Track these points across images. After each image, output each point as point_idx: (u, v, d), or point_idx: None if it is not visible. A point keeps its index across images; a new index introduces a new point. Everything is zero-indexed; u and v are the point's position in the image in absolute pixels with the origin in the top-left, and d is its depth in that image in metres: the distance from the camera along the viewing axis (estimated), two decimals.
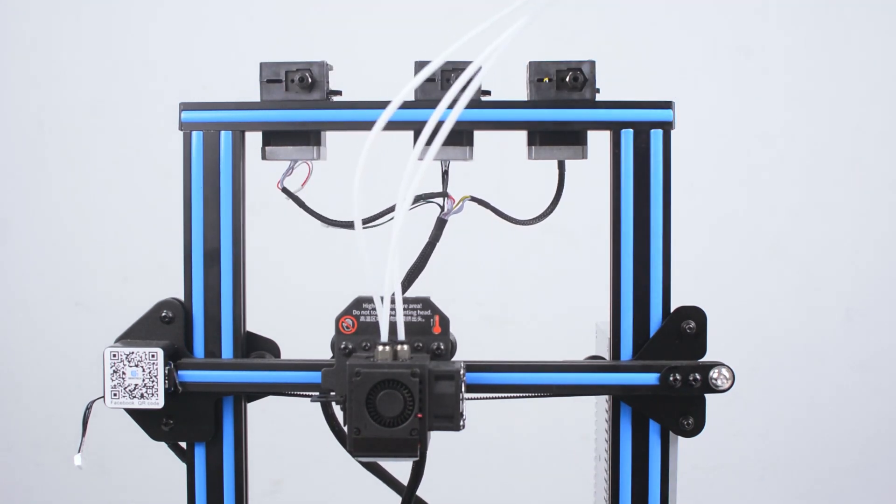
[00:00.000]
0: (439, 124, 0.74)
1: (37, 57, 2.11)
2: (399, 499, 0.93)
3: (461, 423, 0.82)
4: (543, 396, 0.89)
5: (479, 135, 0.90)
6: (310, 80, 0.88)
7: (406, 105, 0.83)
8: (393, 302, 0.80)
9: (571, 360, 0.89)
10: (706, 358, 0.87)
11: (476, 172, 0.98)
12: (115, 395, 0.86)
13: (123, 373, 0.85)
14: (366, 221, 0.89)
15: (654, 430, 0.88)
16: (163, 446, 0.91)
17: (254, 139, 0.91)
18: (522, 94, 0.89)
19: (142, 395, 0.86)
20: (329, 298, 0.98)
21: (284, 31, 2.09)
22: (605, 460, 0.91)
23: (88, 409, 0.87)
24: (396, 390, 0.80)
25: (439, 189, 0.90)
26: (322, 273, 2.01)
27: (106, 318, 1.96)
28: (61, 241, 2.12)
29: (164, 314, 0.89)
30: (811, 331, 2.04)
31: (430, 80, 0.87)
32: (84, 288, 2.12)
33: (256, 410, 0.94)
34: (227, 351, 0.89)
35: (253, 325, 0.92)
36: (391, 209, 0.87)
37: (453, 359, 0.86)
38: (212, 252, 0.89)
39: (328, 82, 0.89)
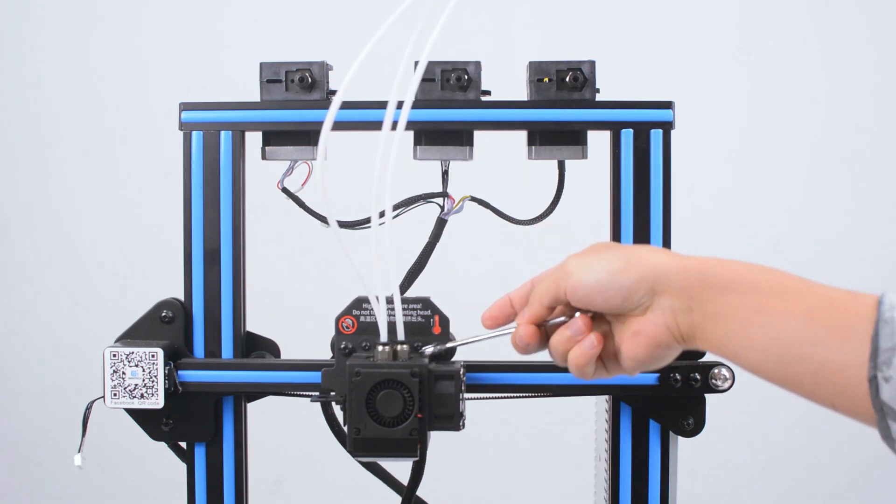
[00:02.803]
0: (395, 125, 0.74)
1: (37, 57, 2.11)
2: (399, 499, 0.93)
3: (461, 423, 0.82)
4: (543, 396, 0.89)
5: (479, 135, 0.90)
6: (310, 80, 0.88)
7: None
8: (390, 302, 0.80)
9: None
10: (706, 358, 0.87)
11: (476, 172, 0.98)
12: (115, 395, 0.86)
13: (123, 373, 0.85)
14: (361, 223, 0.89)
15: (654, 430, 0.88)
16: (163, 446, 0.90)
17: (254, 139, 0.91)
18: (522, 94, 0.89)
19: (142, 395, 0.86)
20: (329, 298, 0.98)
21: (285, 30, 2.09)
22: (605, 460, 0.91)
23: (88, 409, 0.87)
24: (396, 390, 0.80)
25: (439, 189, 0.90)
26: (322, 273, 2.01)
27: (106, 318, 1.96)
28: (61, 241, 2.12)
29: (164, 314, 0.89)
30: None
31: (429, 79, 0.87)
32: (84, 288, 2.12)
33: (256, 410, 0.94)
34: (227, 351, 0.89)
35: (253, 325, 0.92)
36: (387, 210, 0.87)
37: (453, 359, 0.86)
38: (212, 252, 0.89)
39: (328, 82, 0.89)
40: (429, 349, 0.83)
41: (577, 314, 0.74)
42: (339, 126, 0.87)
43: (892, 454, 0.65)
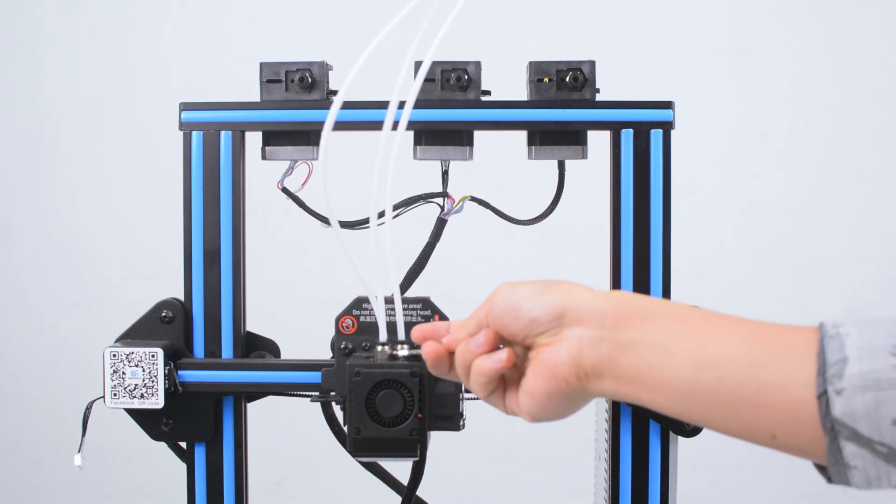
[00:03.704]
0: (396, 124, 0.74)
1: (37, 57, 2.11)
2: (399, 499, 0.93)
3: (461, 423, 0.82)
4: None
5: (479, 135, 0.90)
6: (310, 80, 0.88)
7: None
8: (390, 302, 0.80)
9: None
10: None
11: (476, 172, 0.98)
12: (115, 395, 0.86)
13: (123, 373, 0.85)
14: (361, 223, 0.89)
15: (654, 430, 0.88)
16: (163, 446, 0.91)
17: (254, 139, 0.91)
18: (522, 94, 0.89)
19: (142, 395, 0.86)
20: (329, 298, 0.98)
21: (285, 31, 2.09)
22: (605, 460, 0.91)
23: (88, 409, 0.88)
24: (396, 390, 0.80)
25: (439, 189, 0.90)
26: (322, 273, 2.01)
27: (106, 318, 1.96)
28: (61, 241, 2.12)
29: (164, 314, 0.89)
30: None
31: (430, 80, 0.87)
32: (84, 288, 2.12)
33: (256, 410, 0.94)
34: (227, 351, 0.89)
35: (253, 325, 0.92)
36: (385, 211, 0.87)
37: None
38: (212, 252, 0.89)
39: (328, 82, 0.89)
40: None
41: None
42: (339, 126, 0.87)
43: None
